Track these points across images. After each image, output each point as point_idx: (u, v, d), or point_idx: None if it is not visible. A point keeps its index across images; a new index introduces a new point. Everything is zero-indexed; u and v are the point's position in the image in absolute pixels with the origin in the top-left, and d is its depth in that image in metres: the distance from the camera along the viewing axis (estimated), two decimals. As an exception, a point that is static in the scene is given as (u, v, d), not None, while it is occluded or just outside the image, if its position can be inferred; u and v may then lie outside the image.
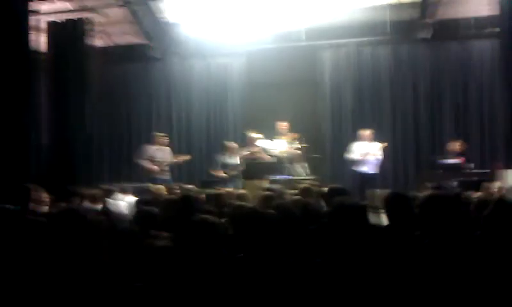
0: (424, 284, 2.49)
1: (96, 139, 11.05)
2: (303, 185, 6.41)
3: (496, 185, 6.89)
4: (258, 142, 10.27)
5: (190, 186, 8.34)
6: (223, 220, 4.82)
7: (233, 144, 10.68)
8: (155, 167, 10.36)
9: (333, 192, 4.37)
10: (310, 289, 2.56)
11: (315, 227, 3.84)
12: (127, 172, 12.46)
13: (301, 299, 2.53)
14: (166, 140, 10.78)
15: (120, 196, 7.12)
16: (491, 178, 8.25)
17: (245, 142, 11.53)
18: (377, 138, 10.51)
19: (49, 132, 10.72)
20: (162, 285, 2.43)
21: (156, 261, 2.48)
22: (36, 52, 10.75)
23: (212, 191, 6.62)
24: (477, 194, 4.71)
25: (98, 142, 11.44)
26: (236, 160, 10.42)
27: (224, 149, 10.66)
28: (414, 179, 11.05)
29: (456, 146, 9.86)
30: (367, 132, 10.34)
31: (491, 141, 10.95)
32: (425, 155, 11.03)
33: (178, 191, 8.35)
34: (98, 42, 11.44)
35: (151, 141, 10.89)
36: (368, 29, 11.25)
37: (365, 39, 11.55)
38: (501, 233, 2.84)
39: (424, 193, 3.42)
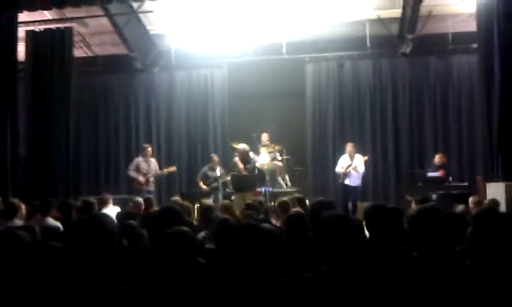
0: (415, 298, 2.47)
1: (75, 149, 10.85)
2: (283, 199, 6.32)
3: (473, 199, 6.86)
4: (243, 155, 9.99)
5: (177, 198, 8.24)
6: (204, 233, 4.80)
7: (215, 157, 10.63)
8: (142, 179, 10.26)
9: (320, 205, 4.25)
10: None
11: (299, 241, 3.78)
12: (106, 183, 12.33)
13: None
14: (149, 151, 10.71)
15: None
16: (471, 191, 8.34)
17: (227, 153, 11.51)
18: (358, 151, 10.57)
19: (27, 143, 10.52)
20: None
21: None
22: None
23: (192, 204, 6.55)
24: (459, 208, 4.71)
25: (77, 153, 11.24)
26: (217, 172, 10.36)
27: (209, 162, 10.64)
28: (394, 192, 11.12)
29: (435, 159, 9.95)
30: (349, 145, 10.41)
31: (470, 155, 11.08)
32: (405, 168, 11.11)
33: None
34: (78, 52, 11.30)
35: (139, 152, 10.89)
36: (348, 43, 11.37)
37: (346, 53, 11.66)
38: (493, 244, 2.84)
39: (415, 207, 3.40)
